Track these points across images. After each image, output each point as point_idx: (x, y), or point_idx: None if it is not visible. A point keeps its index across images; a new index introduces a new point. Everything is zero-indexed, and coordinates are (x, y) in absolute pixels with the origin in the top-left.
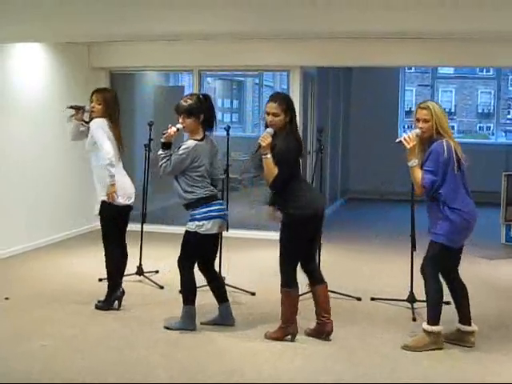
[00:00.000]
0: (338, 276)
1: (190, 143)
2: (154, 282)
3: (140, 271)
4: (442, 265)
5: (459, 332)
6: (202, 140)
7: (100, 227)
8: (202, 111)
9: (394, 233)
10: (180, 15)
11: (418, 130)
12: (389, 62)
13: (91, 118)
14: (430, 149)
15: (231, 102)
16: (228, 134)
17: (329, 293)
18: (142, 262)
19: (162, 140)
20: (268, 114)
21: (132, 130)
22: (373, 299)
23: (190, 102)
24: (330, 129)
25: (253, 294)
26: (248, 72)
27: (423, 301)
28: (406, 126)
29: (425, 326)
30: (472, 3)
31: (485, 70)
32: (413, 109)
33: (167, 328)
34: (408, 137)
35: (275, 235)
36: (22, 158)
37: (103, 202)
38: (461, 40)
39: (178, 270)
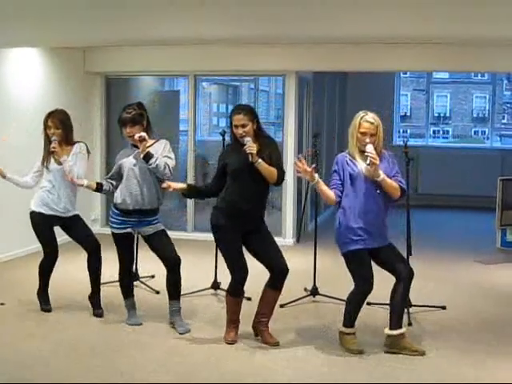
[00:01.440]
0: (334, 281)
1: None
2: (150, 288)
3: (136, 276)
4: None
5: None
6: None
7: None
8: (144, 118)
9: (389, 237)
10: (175, 20)
11: (370, 146)
12: (384, 67)
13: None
14: (387, 157)
15: (227, 107)
16: (224, 138)
17: (326, 298)
18: (138, 267)
19: (142, 155)
20: (237, 126)
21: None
22: (369, 304)
23: (133, 112)
24: (325, 134)
25: (249, 299)
26: (244, 77)
27: (419, 305)
28: (401, 131)
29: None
30: (468, 8)
31: (480, 75)
32: (408, 113)
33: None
34: (373, 154)
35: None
36: (18, 162)
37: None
38: (456, 45)
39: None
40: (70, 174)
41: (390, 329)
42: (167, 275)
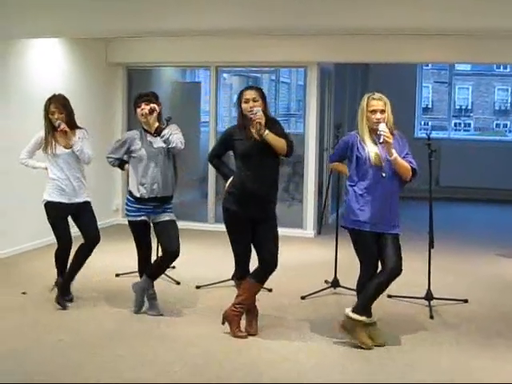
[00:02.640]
0: (354, 274)
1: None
2: (171, 278)
3: None
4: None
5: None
6: None
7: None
8: (158, 103)
9: (410, 230)
10: (197, 11)
11: (383, 124)
12: (406, 59)
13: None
14: (397, 137)
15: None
16: None
17: (346, 290)
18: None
19: (153, 128)
20: (248, 100)
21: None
22: (390, 297)
23: (150, 94)
24: (346, 125)
25: (269, 290)
26: (264, 68)
27: (441, 298)
28: (423, 123)
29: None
30: (491, 0)
31: (502, 67)
32: (430, 106)
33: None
34: (385, 132)
35: (287, 231)
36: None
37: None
38: (478, 37)
39: (191, 265)
40: (82, 155)
41: (352, 310)
42: (160, 260)
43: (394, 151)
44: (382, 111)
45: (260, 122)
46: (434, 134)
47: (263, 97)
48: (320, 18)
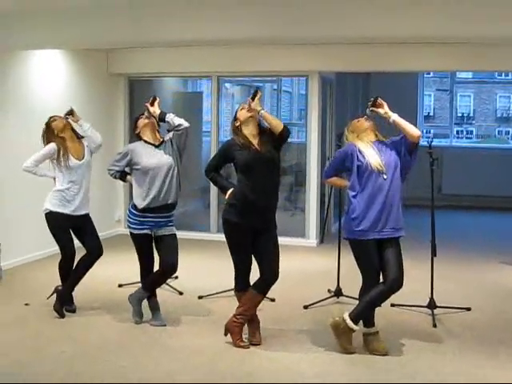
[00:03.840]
0: (357, 283)
1: None
2: (174, 288)
3: None
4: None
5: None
6: None
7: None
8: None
9: (413, 238)
10: (198, 21)
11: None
12: (407, 67)
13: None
14: (388, 141)
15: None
16: None
17: (349, 299)
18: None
19: (158, 113)
20: (243, 107)
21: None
22: (393, 305)
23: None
24: None
25: (272, 300)
26: (266, 77)
27: (444, 307)
28: (425, 131)
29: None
30: (491, 7)
31: (503, 75)
32: (431, 114)
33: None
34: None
35: (289, 240)
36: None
37: None
38: (480, 45)
39: (194, 275)
40: (94, 134)
41: (349, 316)
42: (157, 275)
43: (389, 113)
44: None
45: (256, 95)
46: (435, 142)
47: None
48: (321, 27)
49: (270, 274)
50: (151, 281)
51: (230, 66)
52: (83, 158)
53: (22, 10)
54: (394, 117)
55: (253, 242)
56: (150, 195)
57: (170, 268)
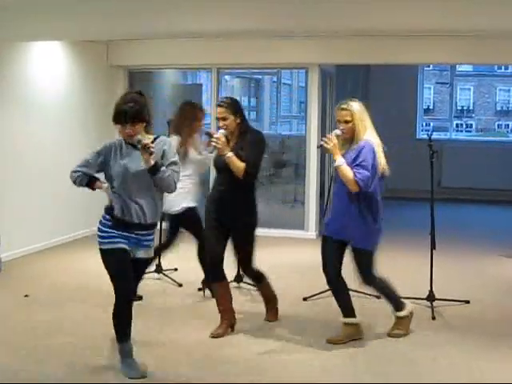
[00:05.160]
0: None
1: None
2: (174, 280)
3: (159, 269)
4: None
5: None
6: None
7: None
8: (146, 113)
9: (412, 231)
10: (198, 13)
11: (337, 131)
12: (407, 60)
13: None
14: (361, 146)
15: (249, 100)
16: None
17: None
18: (161, 260)
19: (148, 166)
20: (218, 119)
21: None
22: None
23: (134, 105)
24: None
25: None
26: (266, 70)
27: (443, 299)
28: (424, 124)
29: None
30: (491, 0)
31: (503, 68)
32: (431, 107)
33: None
34: (327, 137)
35: (289, 232)
36: (41, 156)
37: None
38: (480, 37)
39: (193, 267)
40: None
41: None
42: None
43: (337, 158)
44: (346, 121)
45: (217, 146)
46: (435, 135)
47: (235, 111)
48: (321, 19)
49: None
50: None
51: (229, 58)
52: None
53: (20, 1)
54: (338, 162)
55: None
56: (123, 206)
57: (127, 298)
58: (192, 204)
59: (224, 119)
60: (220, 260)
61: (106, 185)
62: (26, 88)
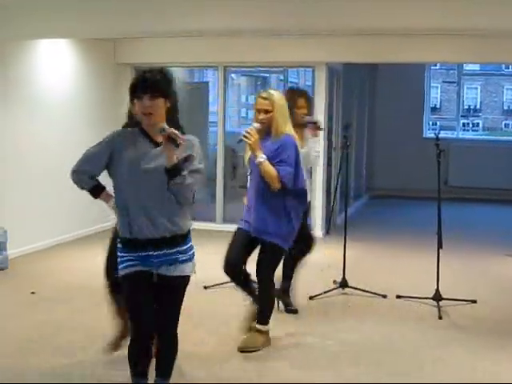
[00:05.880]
0: (363, 274)
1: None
2: None
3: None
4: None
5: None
6: None
7: None
8: (172, 90)
9: (419, 230)
10: (205, 11)
11: (256, 124)
12: (414, 59)
13: None
14: (283, 140)
15: (255, 99)
16: None
17: (355, 290)
18: None
19: (169, 165)
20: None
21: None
22: (398, 297)
23: (157, 75)
24: (355, 125)
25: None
26: (273, 68)
27: (449, 299)
28: (431, 123)
29: (259, 326)
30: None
31: (510, 67)
32: (438, 106)
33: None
34: (247, 132)
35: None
36: (46, 155)
37: None
38: (487, 36)
39: (199, 265)
40: None
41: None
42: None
43: (260, 155)
44: (267, 111)
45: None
46: (442, 134)
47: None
48: (328, 18)
49: None
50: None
51: (236, 56)
52: None
53: None
54: (259, 159)
55: None
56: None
57: (167, 335)
58: None
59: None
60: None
61: (113, 200)
62: (32, 87)
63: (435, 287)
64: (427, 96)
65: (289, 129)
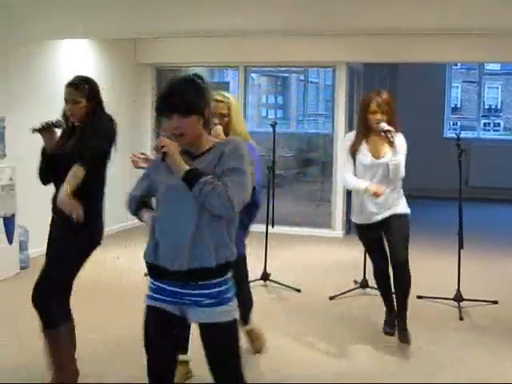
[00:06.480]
0: None
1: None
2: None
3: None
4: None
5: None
6: None
7: None
8: (205, 103)
9: (440, 231)
10: (226, 11)
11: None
12: (435, 59)
13: None
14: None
15: (275, 98)
16: (274, 130)
17: (376, 290)
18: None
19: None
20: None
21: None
22: (419, 297)
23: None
24: None
25: (298, 290)
26: (293, 68)
27: (471, 300)
28: (452, 123)
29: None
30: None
31: None
32: (458, 105)
33: None
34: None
35: (315, 231)
36: None
37: None
38: (508, 36)
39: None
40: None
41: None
42: None
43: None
44: (222, 115)
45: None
46: (463, 134)
47: (87, 94)
48: (348, 17)
49: None
50: None
51: (256, 56)
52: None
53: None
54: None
55: None
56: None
57: None
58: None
59: (74, 102)
60: None
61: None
62: (54, 86)
63: (456, 288)
64: (448, 96)
65: (247, 136)
